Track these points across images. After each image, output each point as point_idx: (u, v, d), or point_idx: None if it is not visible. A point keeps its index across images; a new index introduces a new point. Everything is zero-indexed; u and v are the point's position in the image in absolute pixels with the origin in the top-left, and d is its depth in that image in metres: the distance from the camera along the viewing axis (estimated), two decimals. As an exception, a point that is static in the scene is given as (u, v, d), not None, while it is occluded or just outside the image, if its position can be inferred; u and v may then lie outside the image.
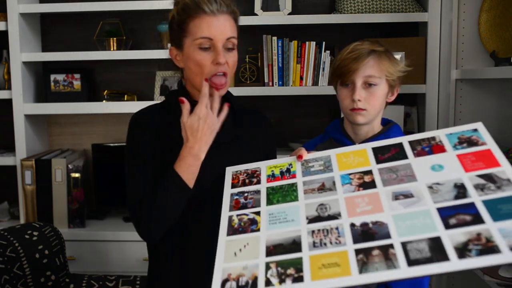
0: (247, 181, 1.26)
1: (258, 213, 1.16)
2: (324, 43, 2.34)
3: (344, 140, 1.50)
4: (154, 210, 1.23)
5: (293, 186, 1.20)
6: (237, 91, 2.36)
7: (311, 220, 1.09)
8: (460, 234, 0.96)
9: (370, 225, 1.04)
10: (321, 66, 2.35)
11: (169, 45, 1.37)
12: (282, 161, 1.29)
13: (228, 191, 1.25)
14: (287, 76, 2.37)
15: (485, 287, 1.95)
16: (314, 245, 1.03)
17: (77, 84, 2.52)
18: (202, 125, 1.21)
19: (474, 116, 2.24)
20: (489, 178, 1.08)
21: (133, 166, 1.32)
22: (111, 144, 2.56)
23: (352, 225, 1.05)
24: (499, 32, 2.15)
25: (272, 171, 1.27)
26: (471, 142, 1.18)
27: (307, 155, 1.28)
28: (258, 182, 1.25)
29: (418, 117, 2.44)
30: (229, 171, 1.31)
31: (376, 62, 1.41)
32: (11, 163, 2.42)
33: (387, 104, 1.51)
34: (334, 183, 1.17)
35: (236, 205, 1.20)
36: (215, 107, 1.25)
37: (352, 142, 1.48)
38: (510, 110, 2.20)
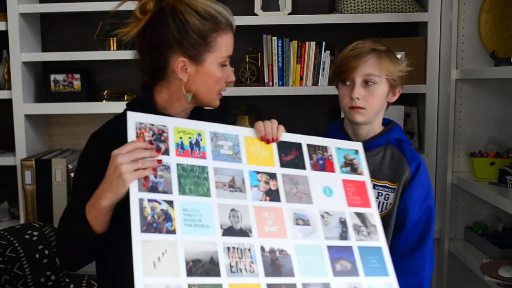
0: (154, 145, 1.13)
1: (171, 203, 1.09)
2: (324, 43, 2.34)
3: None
4: (62, 242, 1.23)
5: (204, 172, 1.15)
6: (237, 91, 2.36)
7: (225, 231, 1.11)
8: (344, 284, 1.16)
9: (277, 253, 1.14)
10: (321, 66, 2.35)
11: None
12: (191, 125, 1.19)
13: None
14: (287, 76, 2.37)
15: (485, 287, 1.95)
16: (231, 270, 1.07)
17: (77, 84, 2.52)
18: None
19: (474, 116, 2.24)
20: (363, 219, 1.27)
21: (73, 189, 1.29)
22: (111, 144, 2.56)
23: (262, 249, 1.13)
24: (499, 32, 2.15)
25: (181, 138, 1.16)
26: (353, 167, 1.33)
27: (217, 126, 1.22)
28: (167, 150, 1.13)
29: (418, 117, 2.44)
30: (132, 119, 1.13)
31: (376, 61, 1.41)
32: (11, 163, 2.42)
33: (389, 104, 1.51)
34: (243, 181, 1.18)
35: (145, 183, 1.08)
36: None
37: (352, 143, 1.48)
38: (510, 110, 2.20)
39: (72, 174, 2.37)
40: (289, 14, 2.39)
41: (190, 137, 1.17)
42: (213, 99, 1.29)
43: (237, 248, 1.10)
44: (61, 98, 2.49)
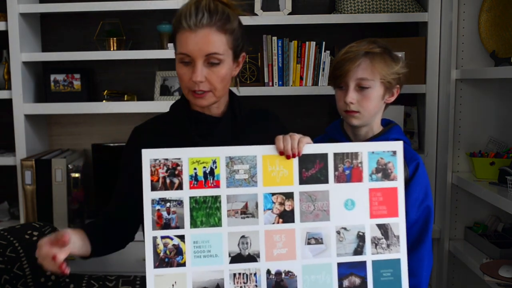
0: (168, 181, 1.18)
1: (182, 238, 1.18)
2: (324, 43, 2.34)
3: (343, 141, 1.49)
4: None
5: (217, 202, 1.20)
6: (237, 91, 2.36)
7: (233, 259, 1.19)
8: None
9: (283, 275, 1.20)
10: (321, 66, 2.35)
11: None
12: (207, 153, 1.20)
13: (148, 194, 1.18)
14: (287, 76, 2.37)
15: (485, 287, 1.95)
16: None
17: (77, 84, 2.52)
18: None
19: (474, 116, 2.24)
20: (385, 231, 1.25)
21: (117, 183, 1.44)
22: (111, 144, 2.56)
23: (268, 272, 1.20)
24: (499, 32, 2.15)
25: (195, 169, 1.19)
26: (385, 173, 1.26)
27: (233, 150, 1.21)
28: (180, 185, 1.19)
29: (418, 117, 2.44)
30: (147, 157, 1.18)
31: (369, 65, 1.40)
32: (11, 163, 2.42)
33: (387, 105, 1.50)
34: (256, 205, 1.21)
35: (159, 221, 1.18)
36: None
37: (352, 143, 1.48)
38: (510, 110, 2.20)
39: (72, 174, 2.37)
40: (289, 14, 2.39)
41: (204, 167, 1.20)
42: (187, 96, 1.32)
43: (243, 274, 1.19)
44: (61, 98, 2.49)
